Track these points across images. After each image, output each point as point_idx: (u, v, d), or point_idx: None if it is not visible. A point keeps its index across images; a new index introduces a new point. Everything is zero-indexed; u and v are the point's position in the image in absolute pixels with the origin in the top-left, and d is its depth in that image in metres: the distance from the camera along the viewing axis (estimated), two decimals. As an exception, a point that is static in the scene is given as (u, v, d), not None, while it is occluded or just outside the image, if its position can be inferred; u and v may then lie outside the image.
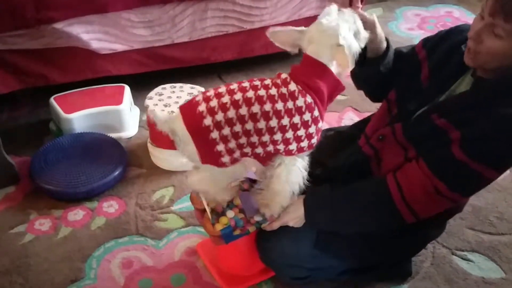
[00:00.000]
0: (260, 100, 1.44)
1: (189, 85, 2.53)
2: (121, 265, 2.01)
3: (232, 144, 1.45)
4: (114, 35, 2.63)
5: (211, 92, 1.47)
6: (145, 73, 2.88)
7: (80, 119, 2.55)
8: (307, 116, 1.46)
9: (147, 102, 2.39)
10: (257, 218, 1.69)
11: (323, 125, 1.52)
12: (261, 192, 1.66)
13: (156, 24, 2.67)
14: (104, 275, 1.97)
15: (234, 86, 1.48)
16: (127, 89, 2.71)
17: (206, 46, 2.89)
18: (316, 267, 1.80)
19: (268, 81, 1.48)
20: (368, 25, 1.57)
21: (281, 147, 1.49)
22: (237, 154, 1.48)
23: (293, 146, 1.50)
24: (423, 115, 1.60)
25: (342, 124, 2.72)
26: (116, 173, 2.35)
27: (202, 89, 2.48)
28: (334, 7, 1.48)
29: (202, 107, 1.44)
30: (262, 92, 1.45)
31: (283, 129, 1.46)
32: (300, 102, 1.44)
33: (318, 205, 1.67)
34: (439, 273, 1.99)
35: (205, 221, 1.72)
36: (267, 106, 1.44)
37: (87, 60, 2.67)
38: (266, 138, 1.47)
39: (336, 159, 1.82)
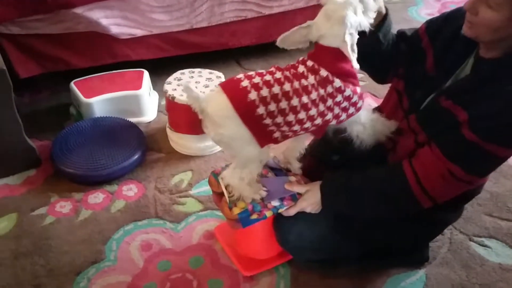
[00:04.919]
0: (297, 78, 1.48)
1: (207, 70, 2.54)
2: (140, 248, 2.03)
3: (280, 119, 1.47)
4: (133, 20, 2.64)
5: (251, 73, 1.50)
6: (164, 58, 2.89)
7: (99, 103, 2.57)
8: (347, 92, 1.50)
9: (166, 87, 2.40)
10: (275, 203, 1.70)
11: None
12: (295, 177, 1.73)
13: (175, 9, 2.68)
14: (123, 257, 2.00)
15: (272, 69, 1.52)
16: (146, 74, 2.73)
17: (225, 31, 2.90)
18: (333, 250, 1.80)
19: (301, 68, 1.51)
20: None
21: (329, 116, 1.53)
22: (285, 128, 1.50)
23: (343, 116, 1.55)
24: (431, 100, 1.60)
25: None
26: (136, 157, 2.38)
27: (221, 74, 2.49)
28: None
29: (246, 83, 1.45)
30: (301, 71, 1.50)
31: (325, 99, 1.50)
32: (337, 83, 1.48)
33: (335, 192, 1.68)
34: (456, 259, 1.99)
35: (223, 205, 1.73)
36: (305, 81, 1.48)
37: (107, 45, 2.70)
38: (313, 111, 1.49)
39: (353, 146, 1.82)
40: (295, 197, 1.72)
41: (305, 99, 1.47)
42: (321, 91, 1.48)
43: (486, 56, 1.48)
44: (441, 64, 1.62)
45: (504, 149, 1.45)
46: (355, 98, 1.53)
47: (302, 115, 1.48)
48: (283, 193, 1.72)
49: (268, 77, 1.48)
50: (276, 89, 1.46)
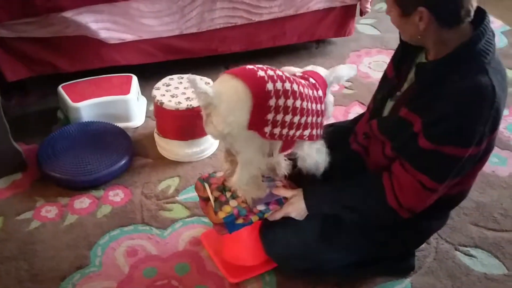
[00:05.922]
0: (301, 84, 1.56)
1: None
2: (126, 253, 2.02)
3: (280, 116, 1.49)
4: (123, 24, 2.63)
5: (261, 66, 1.53)
6: (153, 63, 2.89)
7: (87, 108, 2.56)
8: (323, 106, 1.63)
9: (154, 92, 2.40)
10: (260, 208, 1.71)
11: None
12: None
13: (165, 15, 2.68)
14: (109, 263, 1.99)
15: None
16: (134, 79, 2.72)
17: (214, 38, 2.90)
18: (319, 259, 1.81)
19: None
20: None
21: (307, 132, 1.58)
22: (277, 130, 1.51)
23: (314, 132, 1.62)
24: (394, 108, 1.64)
25: (348, 119, 2.72)
26: (123, 162, 2.37)
27: (210, 80, 2.49)
28: None
29: (262, 73, 1.47)
30: (301, 80, 1.60)
31: (314, 113, 1.59)
32: (320, 92, 1.61)
33: (318, 199, 1.70)
34: (442, 268, 1.99)
35: (208, 209, 1.74)
36: (306, 90, 1.56)
37: (96, 50, 2.69)
38: (303, 119, 1.55)
39: (333, 155, 1.83)
40: (281, 202, 1.73)
41: (301, 88, 1.53)
42: (311, 92, 1.57)
43: (427, 60, 1.54)
44: (398, 67, 1.68)
45: (463, 149, 1.46)
46: (319, 120, 1.65)
47: (298, 103, 1.51)
48: (269, 197, 1.72)
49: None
50: (279, 72, 1.52)
